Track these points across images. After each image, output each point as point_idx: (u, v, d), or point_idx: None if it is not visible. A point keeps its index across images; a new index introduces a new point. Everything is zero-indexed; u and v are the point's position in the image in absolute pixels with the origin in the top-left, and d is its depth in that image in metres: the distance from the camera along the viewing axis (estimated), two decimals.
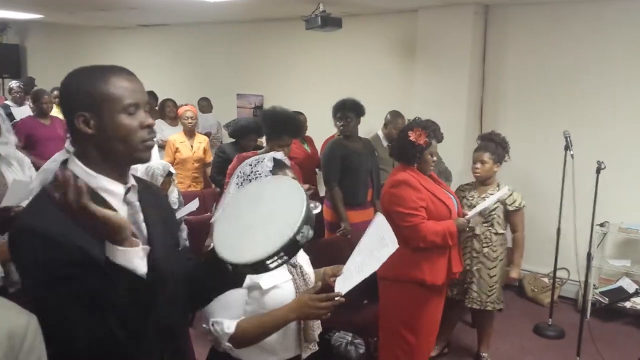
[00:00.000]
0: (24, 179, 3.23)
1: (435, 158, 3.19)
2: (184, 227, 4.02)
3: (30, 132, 5.52)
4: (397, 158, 3.25)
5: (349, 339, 3.74)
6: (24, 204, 2.93)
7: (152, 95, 7.79)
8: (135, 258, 1.19)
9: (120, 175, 1.40)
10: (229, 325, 1.77)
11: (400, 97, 6.04)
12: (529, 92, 5.41)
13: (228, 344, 1.77)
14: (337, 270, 2.07)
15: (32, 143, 5.45)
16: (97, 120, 1.33)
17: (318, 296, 1.80)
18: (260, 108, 7.62)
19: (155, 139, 1.43)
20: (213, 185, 5.33)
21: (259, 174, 1.87)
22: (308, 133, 5.88)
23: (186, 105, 5.96)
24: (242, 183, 1.88)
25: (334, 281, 2.01)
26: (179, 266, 1.50)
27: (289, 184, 1.47)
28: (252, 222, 1.38)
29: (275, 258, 1.29)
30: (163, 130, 6.36)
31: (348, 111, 4.46)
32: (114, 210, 1.26)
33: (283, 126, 3.72)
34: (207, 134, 7.10)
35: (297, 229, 1.30)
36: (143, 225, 1.43)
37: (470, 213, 3.26)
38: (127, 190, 1.41)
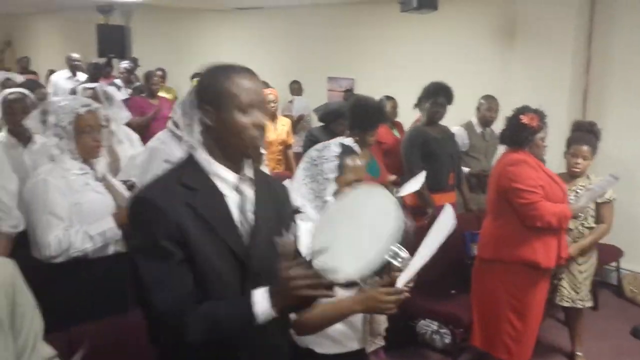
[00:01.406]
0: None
1: (546, 144, 3.16)
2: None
3: (139, 110, 5.84)
4: (508, 142, 3.22)
5: (435, 327, 3.71)
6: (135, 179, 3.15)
7: None
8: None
9: (235, 165, 1.50)
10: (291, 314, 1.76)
11: (495, 82, 5.82)
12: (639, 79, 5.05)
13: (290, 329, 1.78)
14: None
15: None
16: (217, 114, 1.45)
17: (386, 290, 1.71)
18: (351, 91, 7.61)
19: None
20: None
21: (325, 159, 1.88)
22: (399, 118, 5.81)
23: (267, 88, 6.07)
24: (308, 167, 1.90)
25: (398, 275, 1.99)
26: (276, 262, 1.50)
27: (385, 200, 1.45)
28: (347, 236, 1.40)
29: (368, 280, 1.31)
30: None
31: (442, 97, 4.35)
32: None
33: (365, 114, 3.72)
34: (300, 117, 7.22)
35: (393, 253, 1.31)
36: (250, 216, 1.50)
37: (581, 201, 3.20)
38: (240, 180, 1.49)
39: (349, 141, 1.98)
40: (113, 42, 10.27)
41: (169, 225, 1.37)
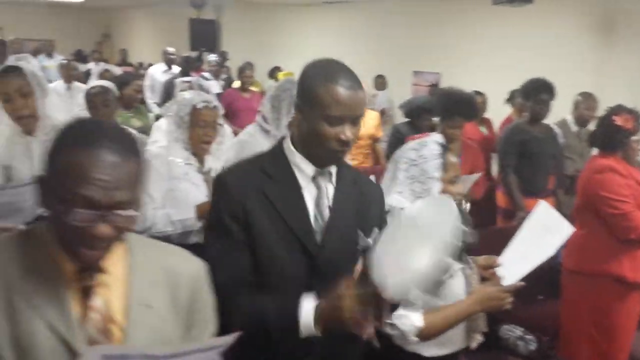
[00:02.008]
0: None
1: None
2: None
3: (231, 102, 6.00)
4: (600, 145, 3.01)
5: (519, 333, 3.57)
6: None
7: None
8: None
9: (311, 159, 1.47)
10: (418, 319, 1.73)
11: (593, 78, 5.52)
12: None
13: (415, 337, 1.74)
14: (490, 261, 1.94)
15: (231, 113, 5.91)
16: (307, 115, 1.42)
17: (503, 287, 1.73)
18: (436, 86, 7.46)
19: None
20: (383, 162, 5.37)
21: (426, 158, 1.83)
22: (487, 114, 5.63)
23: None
24: (407, 168, 1.85)
25: (491, 273, 1.91)
26: (348, 262, 1.45)
27: (447, 210, 1.37)
28: (405, 252, 1.32)
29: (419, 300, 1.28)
30: None
31: (545, 93, 4.15)
32: None
33: (456, 107, 3.60)
34: (382, 111, 7.16)
35: (445, 266, 1.28)
36: (326, 211, 1.48)
37: None
38: (318, 173, 1.47)
39: (439, 138, 1.93)
40: (204, 35, 10.62)
41: (234, 205, 1.40)
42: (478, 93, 5.42)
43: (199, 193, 2.46)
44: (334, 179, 1.51)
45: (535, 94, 4.14)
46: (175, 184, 2.41)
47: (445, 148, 1.89)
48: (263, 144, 2.79)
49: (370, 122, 5.76)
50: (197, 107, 2.44)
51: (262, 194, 1.41)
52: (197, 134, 2.46)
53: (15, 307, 1.01)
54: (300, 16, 9.57)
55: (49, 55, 10.11)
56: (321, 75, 1.41)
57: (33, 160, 2.33)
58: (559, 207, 4.35)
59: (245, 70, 6.26)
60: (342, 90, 1.38)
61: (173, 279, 1.16)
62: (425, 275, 1.25)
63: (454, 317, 1.77)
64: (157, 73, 7.68)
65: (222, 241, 1.42)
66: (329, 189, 1.50)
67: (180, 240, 2.37)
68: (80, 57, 11.54)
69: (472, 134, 4.78)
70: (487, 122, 5.55)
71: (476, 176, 3.73)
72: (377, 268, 1.28)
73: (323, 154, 1.43)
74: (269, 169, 1.45)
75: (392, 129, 5.49)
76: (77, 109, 5.21)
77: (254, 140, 2.81)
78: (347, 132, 1.39)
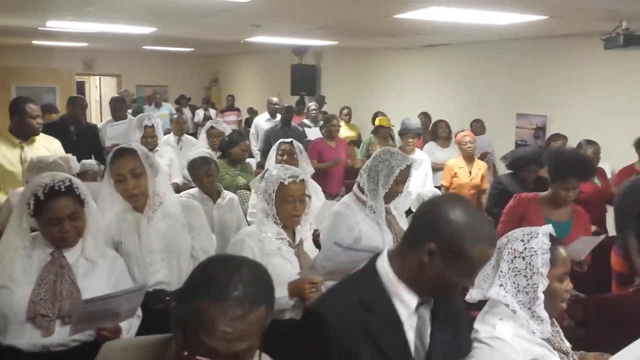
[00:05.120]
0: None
1: None
2: None
3: (319, 152, 6.10)
4: None
5: None
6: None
7: (425, 115, 7.96)
8: None
9: (418, 291, 1.43)
10: None
11: None
12: None
13: None
14: (601, 359, 1.84)
15: (320, 162, 6.01)
16: (439, 260, 1.37)
17: None
18: (542, 130, 7.13)
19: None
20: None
21: (534, 251, 1.70)
22: (601, 163, 5.27)
23: (463, 130, 5.91)
24: (513, 260, 1.72)
25: None
26: None
27: None
28: None
29: None
30: (435, 152, 6.44)
31: None
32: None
33: (569, 167, 3.41)
34: (483, 155, 6.95)
35: None
36: (427, 340, 1.44)
37: None
38: (420, 304, 1.43)
39: (550, 229, 1.81)
40: (305, 80, 10.99)
41: (342, 349, 1.35)
42: (590, 142, 5.11)
43: (292, 268, 2.45)
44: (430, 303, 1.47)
45: None
46: (268, 260, 2.39)
47: (557, 241, 1.76)
48: (358, 215, 2.79)
49: (477, 171, 5.61)
50: (285, 184, 2.46)
51: (366, 334, 1.37)
52: (286, 209, 2.46)
53: None
54: (398, 60, 9.58)
55: (157, 106, 10.87)
56: (475, 232, 1.37)
57: (141, 237, 2.45)
58: None
59: (332, 120, 6.32)
60: (490, 251, 1.41)
61: None
62: None
63: None
64: (262, 122, 8.08)
65: None
66: (427, 315, 1.46)
67: (275, 316, 2.39)
68: (183, 102, 12.20)
69: (584, 187, 4.49)
70: (600, 173, 5.19)
71: (600, 238, 3.48)
72: None
73: (441, 293, 1.44)
74: (368, 298, 1.41)
75: (494, 180, 5.30)
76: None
77: (349, 212, 2.80)
78: (468, 281, 1.44)
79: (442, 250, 1.36)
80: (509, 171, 4.90)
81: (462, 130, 5.95)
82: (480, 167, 5.67)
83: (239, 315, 1.03)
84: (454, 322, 1.50)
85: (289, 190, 2.46)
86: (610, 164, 5.20)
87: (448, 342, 1.46)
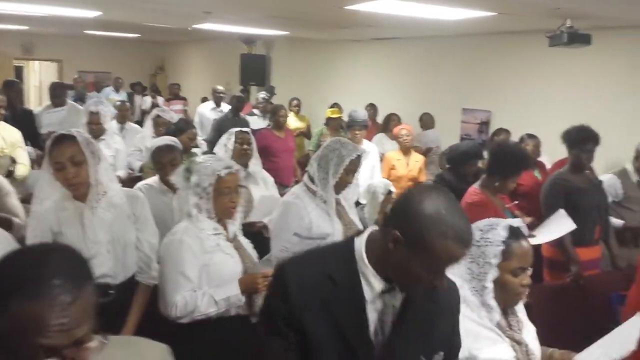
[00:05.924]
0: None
1: None
2: None
3: (267, 143, 6.01)
4: None
5: None
6: (267, 219, 3.19)
7: (372, 107, 8.02)
8: None
9: (384, 276, 1.43)
10: None
11: None
12: None
13: None
14: (567, 358, 1.86)
15: (266, 154, 5.92)
16: (405, 250, 1.34)
17: None
18: (486, 124, 7.32)
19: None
20: None
21: (489, 242, 1.74)
22: (541, 157, 5.44)
23: (401, 124, 6.05)
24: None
25: None
26: None
27: None
28: None
29: None
30: (384, 144, 6.52)
31: (591, 143, 3.99)
32: None
33: (517, 165, 3.52)
34: (427, 150, 7.07)
35: None
36: (388, 327, 1.43)
37: None
38: (387, 291, 1.42)
39: (518, 222, 1.84)
40: (254, 70, 10.86)
41: (292, 313, 1.39)
42: (531, 136, 5.27)
43: (234, 263, 2.38)
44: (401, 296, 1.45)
45: (581, 143, 3.96)
46: (209, 259, 2.31)
47: (517, 235, 1.78)
48: (309, 206, 2.77)
49: (414, 164, 5.70)
50: (221, 175, 2.34)
51: (324, 305, 1.38)
52: (222, 201, 2.36)
53: None
54: (350, 52, 9.60)
55: (117, 90, 10.52)
56: (438, 225, 1.31)
57: (85, 227, 2.34)
58: (611, 260, 4.14)
59: (279, 110, 6.22)
60: (457, 248, 1.31)
61: None
62: None
63: None
64: (207, 111, 7.89)
65: (278, 341, 1.42)
66: (396, 303, 1.44)
67: (220, 314, 2.29)
68: (137, 88, 11.94)
69: (525, 180, 4.62)
70: (541, 166, 5.37)
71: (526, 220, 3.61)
72: None
73: (407, 288, 1.41)
74: (336, 274, 1.41)
75: (436, 177, 5.38)
76: (131, 149, 5.37)
77: (299, 202, 2.77)
78: (438, 278, 1.37)
79: (407, 239, 1.33)
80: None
81: (400, 124, 6.09)
82: (417, 159, 5.78)
83: (69, 302, 0.97)
84: (430, 317, 1.48)
85: (225, 182, 2.36)
86: (550, 157, 5.36)
87: (414, 336, 1.44)
